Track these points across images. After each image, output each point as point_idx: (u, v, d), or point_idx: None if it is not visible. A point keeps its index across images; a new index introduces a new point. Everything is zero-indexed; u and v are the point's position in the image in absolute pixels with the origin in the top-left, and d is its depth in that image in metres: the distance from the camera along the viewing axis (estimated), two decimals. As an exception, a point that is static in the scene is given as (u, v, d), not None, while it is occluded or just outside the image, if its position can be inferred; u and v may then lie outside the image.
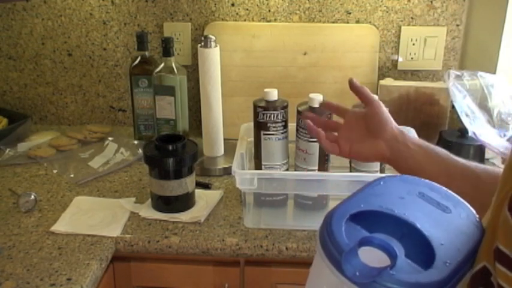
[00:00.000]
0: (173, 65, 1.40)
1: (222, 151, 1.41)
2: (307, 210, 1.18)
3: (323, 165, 1.14)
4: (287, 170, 1.19)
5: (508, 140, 1.29)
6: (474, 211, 0.56)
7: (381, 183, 0.56)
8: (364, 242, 0.48)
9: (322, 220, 0.52)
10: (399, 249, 0.48)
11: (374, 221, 0.51)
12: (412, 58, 1.54)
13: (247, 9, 1.53)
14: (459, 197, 0.58)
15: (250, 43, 1.51)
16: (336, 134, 0.94)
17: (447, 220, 0.53)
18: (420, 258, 0.48)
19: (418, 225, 0.50)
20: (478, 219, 0.54)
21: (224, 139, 1.41)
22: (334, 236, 0.49)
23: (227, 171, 1.33)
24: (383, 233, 0.49)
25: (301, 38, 1.51)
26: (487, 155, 1.36)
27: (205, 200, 1.21)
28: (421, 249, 0.49)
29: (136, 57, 1.46)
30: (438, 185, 0.58)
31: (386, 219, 0.51)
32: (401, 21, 1.51)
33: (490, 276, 0.47)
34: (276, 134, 1.15)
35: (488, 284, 0.47)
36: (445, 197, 0.56)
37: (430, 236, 0.50)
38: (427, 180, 0.59)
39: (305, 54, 1.51)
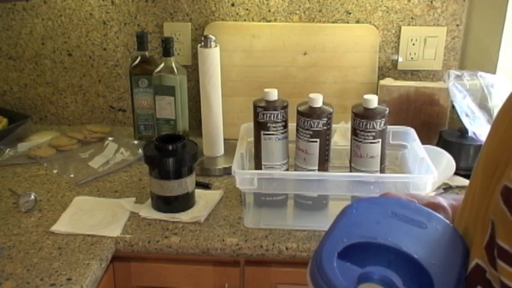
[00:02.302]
0: (173, 65, 1.40)
1: (222, 151, 1.41)
2: (307, 210, 1.18)
3: (323, 165, 1.14)
4: (287, 170, 1.19)
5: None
6: (447, 220, 0.55)
7: (354, 211, 0.54)
8: (362, 279, 0.47)
9: (310, 263, 0.50)
10: (397, 280, 0.47)
11: (359, 252, 0.49)
12: (412, 58, 1.54)
13: (247, 9, 1.53)
14: (428, 209, 0.57)
15: (250, 43, 1.51)
16: None
17: (427, 236, 0.52)
18: (416, 282, 0.47)
19: (404, 249, 0.49)
20: (453, 227, 0.54)
21: (224, 139, 1.41)
22: (330, 280, 0.46)
23: (227, 171, 1.33)
24: (371, 263, 0.48)
25: (301, 38, 1.51)
26: (487, 155, 1.35)
27: (205, 200, 1.21)
28: (413, 272, 0.48)
29: (136, 57, 1.46)
30: (406, 201, 0.57)
31: (371, 249, 0.50)
32: (401, 21, 1.51)
33: (485, 273, 0.46)
34: (276, 134, 1.15)
35: (484, 281, 0.46)
36: (416, 212, 0.55)
37: (419, 257, 0.49)
38: (394, 198, 0.58)
39: (305, 54, 1.51)
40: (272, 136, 1.15)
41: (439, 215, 0.56)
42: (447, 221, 0.55)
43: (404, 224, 0.52)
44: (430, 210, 0.57)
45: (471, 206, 0.53)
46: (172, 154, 1.13)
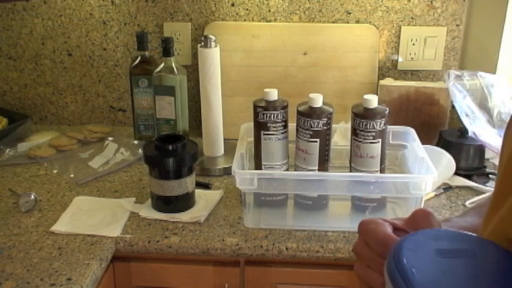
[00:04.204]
0: (173, 65, 1.40)
1: (222, 151, 1.41)
2: (307, 210, 1.18)
3: (323, 165, 1.14)
4: (287, 170, 1.19)
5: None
6: (472, 234, 0.54)
7: (413, 271, 0.48)
8: None
9: None
10: None
11: None
12: (412, 58, 1.54)
13: (247, 9, 1.53)
14: (456, 230, 0.55)
15: (250, 43, 1.51)
16: None
17: (484, 265, 0.50)
18: None
19: None
20: (484, 239, 0.53)
21: (224, 139, 1.41)
22: None
23: (227, 171, 1.33)
24: None
25: (301, 38, 1.51)
26: (487, 155, 1.36)
27: (205, 200, 1.21)
28: None
29: (136, 57, 1.46)
30: (434, 230, 0.55)
31: None
32: (401, 21, 1.51)
33: None
34: (276, 134, 1.15)
35: None
36: (453, 240, 0.52)
37: None
38: (421, 232, 0.54)
39: (305, 54, 1.51)
40: (272, 136, 1.15)
41: (460, 232, 0.54)
42: (479, 236, 0.54)
43: (458, 260, 0.50)
44: (451, 230, 0.55)
45: (495, 209, 0.53)
46: (172, 154, 1.13)
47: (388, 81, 1.47)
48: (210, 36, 1.32)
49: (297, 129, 1.15)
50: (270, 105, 1.14)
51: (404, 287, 0.47)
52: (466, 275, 0.48)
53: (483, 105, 1.36)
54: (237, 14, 1.53)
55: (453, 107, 1.39)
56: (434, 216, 0.56)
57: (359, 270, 0.58)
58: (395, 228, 0.57)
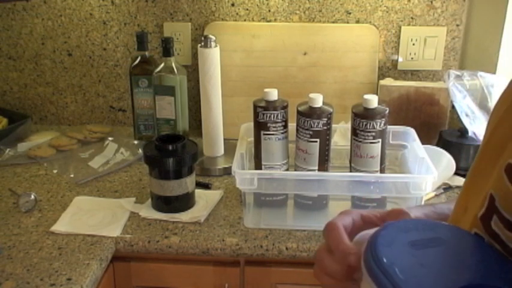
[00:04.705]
0: (173, 65, 1.40)
1: (222, 151, 1.41)
2: (307, 210, 1.18)
3: (323, 165, 1.14)
4: (287, 170, 1.19)
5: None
6: (445, 223, 0.56)
7: (395, 269, 0.48)
8: None
9: None
10: None
11: None
12: (412, 58, 1.54)
13: (247, 9, 1.53)
14: (423, 219, 0.57)
15: (250, 43, 1.51)
16: None
17: (455, 251, 0.52)
18: None
19: (471, 281, 0.48)
20: (455, 226, 0.54)
21: (224, 139, 1.41)
22: None
23: (227, 171, 1.33)
24: None
25: (301, 38, 1.51)
26: (487, 155, 1.35)
27: (205, 200, 1.21)
28: None
29: (136, 57, 1.46)
30: (401, 222, 0.55)
31: None
32: (401, 21, 1.51)
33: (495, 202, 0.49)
34: (276, 134, 1.15)
35: (496, 210, 0.49)
36: (422, 230, 0.53)
37: (490, 281, 0.47)
38: (390, 225, 0.54)
39: (305, 54, 1.51)
40: (272, 136, 1.15)
41: (427, 220, 0.56)
42: (445, 223, 0.55)
43: (432, 250, 0.51)
44: (418, 219, 0.57)
45: (470, 188, 0.55)
46: (172, 154, 1.13)
47: (388, 81, 1.47)
48: (210, 36, 1.32)
49: (297, 129, 1.15)
50: (270, 105, 1.14)
51: (390, 287, 0.47)
52: (441, 263, 0.50)
53: (483, 105, 1.36)
54: (237, 14, 1.53)
55: (453, 107, 1.39)
56: (409, 216, 0.58)
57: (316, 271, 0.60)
58: (368, 222, 0.59)
